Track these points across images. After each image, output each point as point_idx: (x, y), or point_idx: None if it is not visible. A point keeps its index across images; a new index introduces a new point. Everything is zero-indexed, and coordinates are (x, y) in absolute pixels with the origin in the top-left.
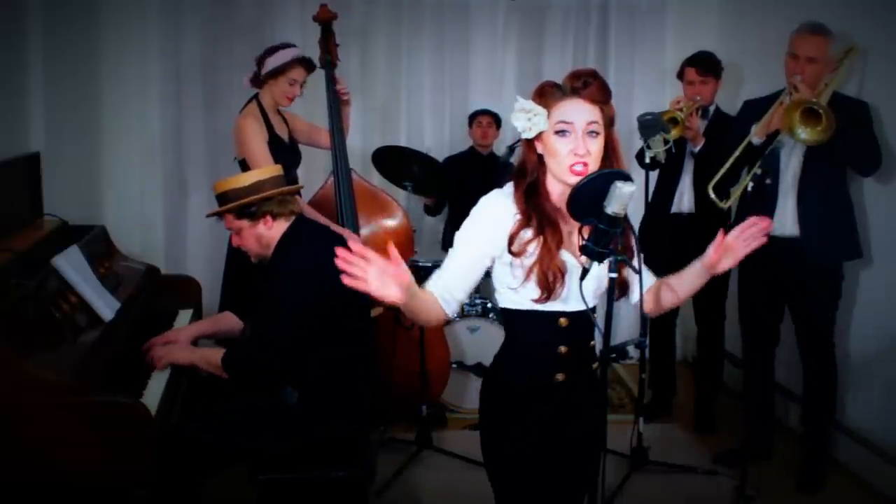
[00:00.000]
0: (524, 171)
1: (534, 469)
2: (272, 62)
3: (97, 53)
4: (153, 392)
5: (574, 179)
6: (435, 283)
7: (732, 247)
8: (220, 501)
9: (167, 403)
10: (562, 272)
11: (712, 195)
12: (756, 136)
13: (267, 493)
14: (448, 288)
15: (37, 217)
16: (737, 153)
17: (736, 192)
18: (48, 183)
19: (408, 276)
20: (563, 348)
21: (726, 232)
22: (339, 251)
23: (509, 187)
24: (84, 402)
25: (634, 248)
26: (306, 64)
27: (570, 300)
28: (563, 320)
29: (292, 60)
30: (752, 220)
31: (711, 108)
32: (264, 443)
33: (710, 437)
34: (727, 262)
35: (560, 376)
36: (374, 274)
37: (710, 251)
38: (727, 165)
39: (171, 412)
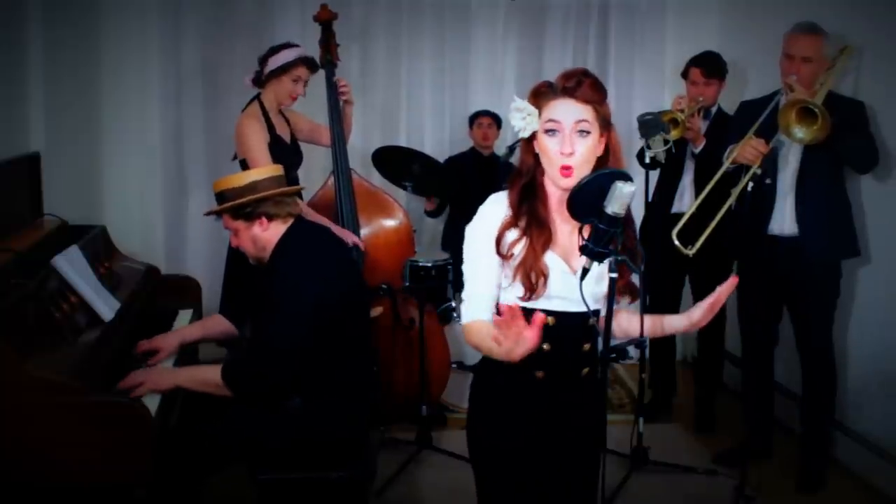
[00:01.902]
0: (520, 171)
1: (514, 466)
2: (276, 61)
3: (97, 53)
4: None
5: (563, 181)
6: (474, 311)
7: (720, 302)
8: (220, 501)
9: (167, 403)
10: (544, 274)
11: (676, 242)
12: (728, 162)
13: (267, 493)
14: (483, 307)
15: (37, 217)
16: (714, 180)
17: (736, 192)
18: (48, 183)
19: (535, 343)
20: (545, 346)
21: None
22: (507, 309)
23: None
24: (84, 403)
25: (636, 248)
26: (310, 63)
27: (558, 301)
28: (549, 319)
29: (296, 59)
30: (731, 279)
31: (713, 109)
32: (265, 444)
33: (710, 437)
34: (704, 322)
35: (539, 374)
36: (514, 335)
37: (703, 310)
38: (698, 201)
39: (171, 412)
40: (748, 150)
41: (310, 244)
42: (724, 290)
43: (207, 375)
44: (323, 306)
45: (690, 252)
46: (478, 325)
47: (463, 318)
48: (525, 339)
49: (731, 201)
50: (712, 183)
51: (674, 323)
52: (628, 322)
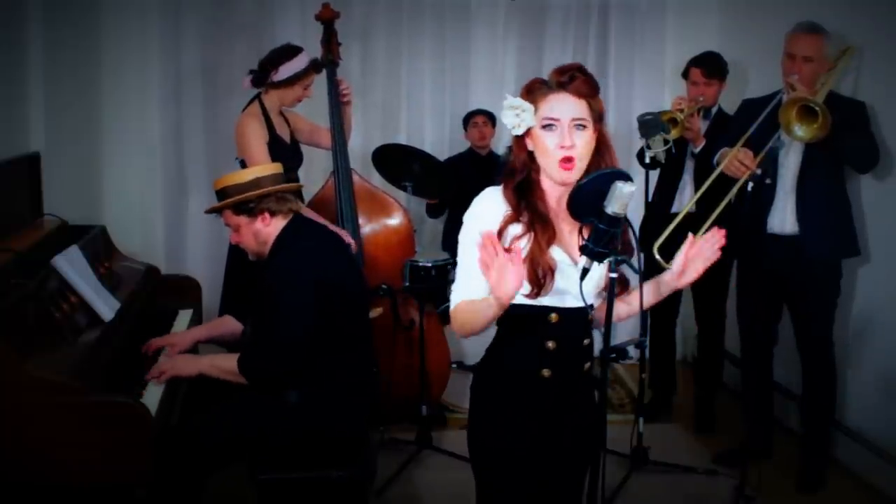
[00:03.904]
0: (513, 169)
1: (518, 466)
2: (289, 69)
3: (97, 54)
4: (153, 392)
5: (563, 175)
6: (461, 297)
7: (697, 256)
8: (220, 501)
9: (167, 403)
10: (551, 269)
11: (657, 256)
12: (720, 168)
13: (267, 493)
14: (475, 292)
15: (37, 217)
16: (710, 178)
17: (734, 191)
18: (48, 183)
19: (521, 279)
20: (550, 344)
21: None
22: (485, 236)
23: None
24: (84, 403)
25: (634, 247)
26: (318, 67)
27: (561, 297)
28: (553, 316)
29: (308, 66)
30: (713, 231)
31: (714, 109)
32: (264, 441)
33: (710, 437)
34: (690, 275)
35: (546, 372)
36: (498, 265)
37: (678, 262)
38: (686, 209)
39: (171, 412)
40: (734, 163)
41: (308, 240)
42: (701, 240)
43: (229, 364)
44: (321, 297)
45: (670, 267)
46: (463, 303)
47: (451, 304)
48: (510, 271)
49: (728, 198)
50: (706, 185)
51: (665, 280)
52: (630, 301)
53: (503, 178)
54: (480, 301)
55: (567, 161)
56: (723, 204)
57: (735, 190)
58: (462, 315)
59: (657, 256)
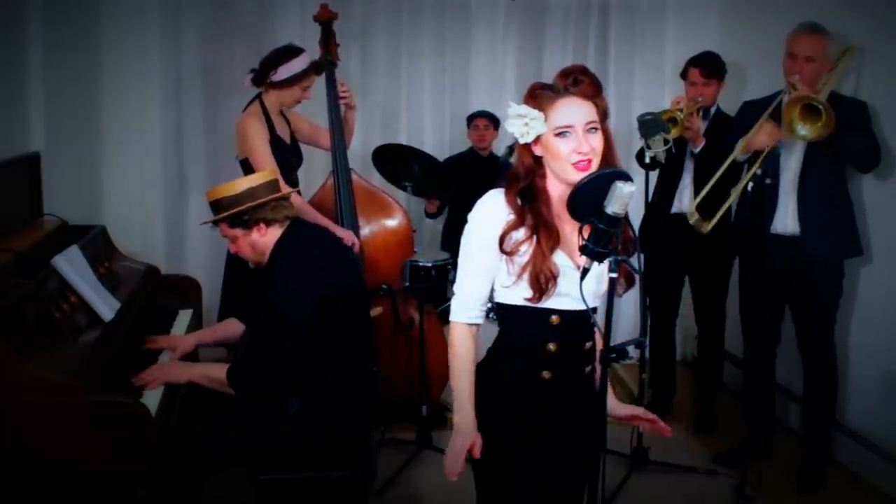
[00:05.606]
0: (518, 175)
1: (519, 467)
2: (287, 70)
3: (97, 54)
4: (153, 392)
5: (579, 176)
6: (465, 312)
7: (640, 420)
8: (220, 501)
9: (167, 404)
10: (554, 275)
11: (692, 220)
12: (740, 153)
13: (267, 493)
14: (473, 306)
15: (37, 217)
16: (721, 170)
17: (736, 192)
18: (48, 183)
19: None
20: (551, 346)
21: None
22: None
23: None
24: (84, 403)
25: (631, 236)
26: (318, 68)
27: (563, 299)
28: (554, 318)
29: (308, 68)
30: (659, 424)
31: (713, 109)
32: (264, 445)
33: (710, 437)
34: (630, 420)
35: (546, 374)
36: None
37: (627, 411)
38: (711, 183)
39: (171, 412)
40: (763, 134)
41: (307, 245)
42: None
43: (219, 374)
44: (323, 305)
45: (707, 226)
46: (465, 340)
47: (452, 314)
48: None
49: (731, 201)
50: (723, 168)
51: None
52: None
53: (506, 182)
54: (463, 391)
55: (585, 163)
56: (724, 207)
57: (738, 191)
58: (455, 345)
59: (696, 217)
